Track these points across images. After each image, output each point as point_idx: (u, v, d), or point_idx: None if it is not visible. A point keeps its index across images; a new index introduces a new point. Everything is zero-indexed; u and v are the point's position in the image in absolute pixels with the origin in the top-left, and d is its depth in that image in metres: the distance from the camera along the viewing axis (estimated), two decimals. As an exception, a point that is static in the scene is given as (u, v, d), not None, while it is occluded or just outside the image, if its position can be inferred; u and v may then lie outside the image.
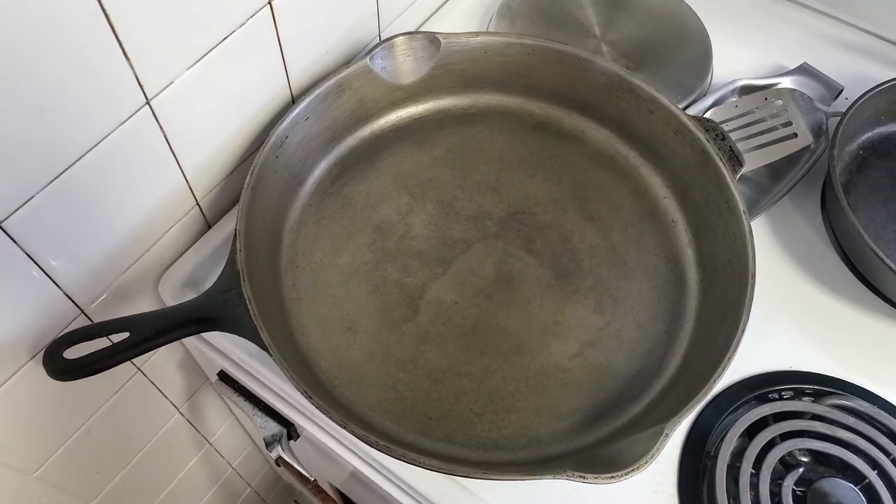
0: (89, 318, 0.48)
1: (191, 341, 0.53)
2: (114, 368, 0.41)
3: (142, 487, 0.67)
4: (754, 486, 0.45)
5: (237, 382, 0.54)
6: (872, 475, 0.45)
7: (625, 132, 0.55)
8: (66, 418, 0.52)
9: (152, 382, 0.59)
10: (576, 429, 0.45)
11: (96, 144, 0.40)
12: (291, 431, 0.54)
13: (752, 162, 0.55)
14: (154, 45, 0.40)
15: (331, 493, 0.62)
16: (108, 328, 0.42)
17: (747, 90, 0.61)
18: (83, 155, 0.40)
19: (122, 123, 0.41)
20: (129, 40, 0.38)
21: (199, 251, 0.53)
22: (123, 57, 0.38)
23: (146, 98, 0.42)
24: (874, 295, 0.53)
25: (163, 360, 0.59)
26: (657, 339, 0.48)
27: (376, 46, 0.53)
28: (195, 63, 0.43)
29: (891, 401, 0.49)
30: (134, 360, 0.55)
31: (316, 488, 0.55)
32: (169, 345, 0.57)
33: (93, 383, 0.50)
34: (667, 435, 0.39)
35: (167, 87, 0.42)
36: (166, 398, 0.63)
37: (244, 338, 0.42)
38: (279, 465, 0.54)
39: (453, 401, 0.46)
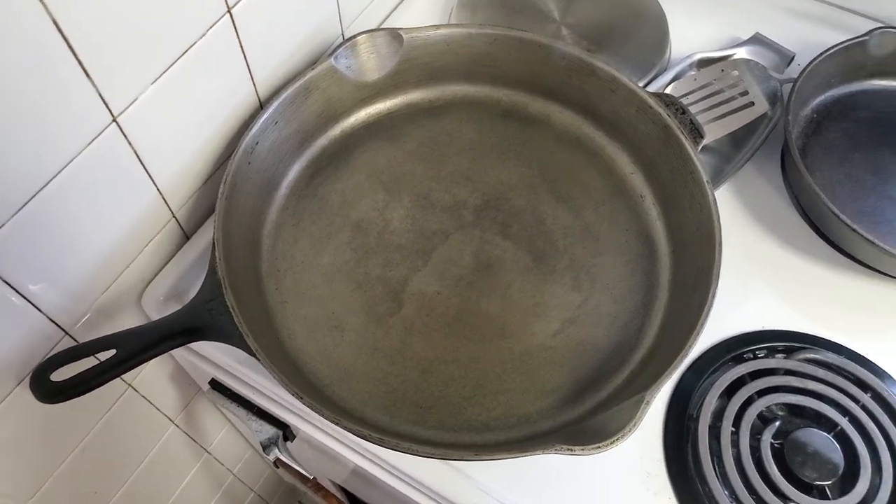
0: (74, 339, 0.48)
1: (179, 352, 0.53)
2: (103, 386, 0.42)
3: (142, 503, 0.68)
4: (735, 444, 0.47)
5: (229, 389, 0.55)
6: (844, 422, 0.48)
7: (589, 113, 0.56)
8: (58, 441, 0.52)
9: (144, 397, 0.60)
10: (562, 404, 0.46)
11: (65, 166, 0.40)
12: (287, 433, 0.55)
13: (714, 132, 0.57)
14: (115, 63, 0.40)
15: (332, 489, 0.63)
16: (94, 347, 0.42)
17: (705, 63, 0.62)
18: (52, 178, 0.40)
19: (90, 143, 0.41)
20: (89, 61, 0.38)
21: (180, 263, 0.53)
22: (86, 77, 0.39)
23: (112, 116, 0.42)
24: (835, 251, 0.55)
25: (153, 374, 0.59)
26: (634, 311, 0.49)
27: (339, 46, 0.54)
28: (159, 77, 0.44)
29: (856, 350, 0.51)
30: (123, 377, 0.56)
31: (316, 486, 0.56)
32: (158, 358, 0.58)
33: (83, 403, 0.50)
34: (647, 402, 0.40)
35: (132, 103, 0.43)
36: (160, 411, 0.63)
37: (231, 345, 0.43)
38: (278, 467, 0.55)
39: (442, 388, 0.47)
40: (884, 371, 0.51)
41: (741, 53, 0.62)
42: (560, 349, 0.48)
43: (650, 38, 0.63)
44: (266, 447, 0.54)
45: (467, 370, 0.48)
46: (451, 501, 0.46)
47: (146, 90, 0.43)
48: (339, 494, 0.65)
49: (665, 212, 0.53)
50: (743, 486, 0.46)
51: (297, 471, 0.53)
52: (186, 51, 0.45)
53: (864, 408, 0.49)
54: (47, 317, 0.45)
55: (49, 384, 0.41)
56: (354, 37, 0.53)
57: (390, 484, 0.48)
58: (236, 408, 0.54)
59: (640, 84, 0.61)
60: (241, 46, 0.49)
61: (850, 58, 0.59)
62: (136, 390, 0.58)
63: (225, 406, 0.55)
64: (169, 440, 0.66)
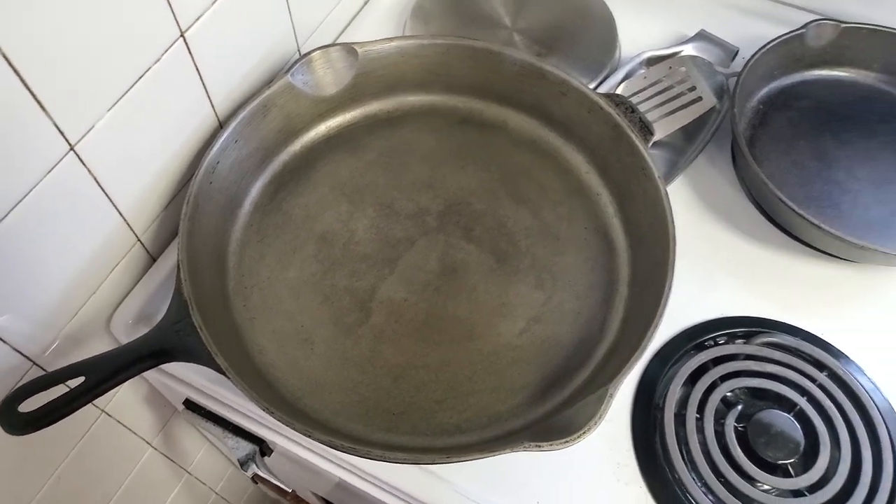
0: (43, 369, 0.48)
1: (152, 374, 0.53)
2: (76, 414, 0.42)
3: (124, 526, 0.68)
4: (700, 429, 0.49)
5: (204, 408, 0.55)
6: (802, 401, 0.49)
7: (543, 116, 0.58)
8: (32, 471, 0.52)
9: (119, 422, 0.60)
10: (530, 402, 0.47)
11: (24, 197, 0.41)
12: (264, 448, 0.55)
13: (665, 128, 0.59)
14: (69, 93, 0.40)
15: (314, 501, 0.63)
16: (62, 376, 0.42)
17: (653, 61, 0.64)
18: (11, 210, 0.40)
19: (48, 173, 0.41)
20: (42, 91, 0.38)
21: (147, 286, 0.53)
22: (40, 108, 0.39)
23: (69, 145, 0.42)
24: (787, 236, 0.57)
25: (126, 398, 0.59)
26: (596, 306, 0.51)
27: (295, 63, 0.54)
28: (115, 103, 0.44)
29: (811, 332, 0.53)
30: (96, 402, 0.56)
31: (296, 499, 0.56)
32: (132, 382, 0.58)
33: (55, 432, 0.50)
34: (611, 395, 0.42)
35: (89, 130, 0.43)
36: (136, 434, 0.63)
37: (201, 364, 0.43)
38: (256, 482, 0.56)
39: (414, 393, 0.48)
40: (838, 350, 0.53)
41: (688, 50, 0.64)
42: (527, 347, 0.49)
43: (600, 39, 0.65)
44: (244, 463, 0.54)
45: (438, 374, 0.49)
46: (427, 504, 0.47)
47: (103, 117, 0.44)
48: (321, 505, 0.66)
49: (621, 208, 0.54)
50: (710, 471, 0.48)
51: (275, 485, 0.54)
52: (142, 76, 0.45)
53: (821, 386, 0.50)
54: (13, 348, 0.45)
55: (18, 416, 0.41)
56: (309, 53, 0.54)
57: (369, 492, 0.49)
58: (212, 426, 0.55)
59: (593, 84, 0.63)
60: (197, 68, 0.50)
61: (790, 50, 0.61)
62: (110, 415, 0.58)
63: (201, 425, 0.55)
64: (147, 463, 0.66)
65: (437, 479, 0.47)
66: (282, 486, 0.54)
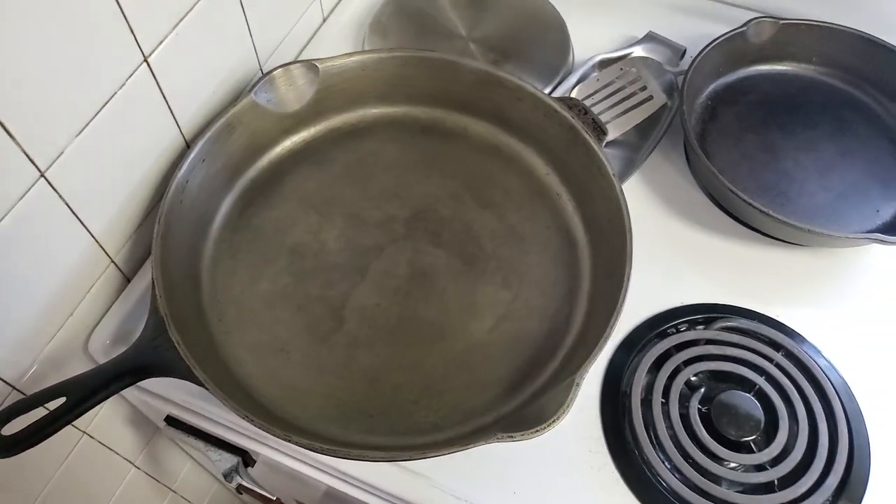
0: (22, 393, 0.49)
1: (132, 393, 0.54)
2: (57, 437, 0.42)
3: (111, 547, 0.68)
4: (666, 413, 0.51)
5: (185, 423, 0.56)
6: (761, 381, 0.52)
7: (502, 122, 0.60)
8: (16, 496, 0.52)
9: (101, 443, 0.60)
10: (503, 396, 0.49)
11: (-4, 225, 0.42)
12: (247, 458, 0.56)
13: (619, 128, 0.61)
14: (37, 121, 0.41)
15: (299, 508, 0.64)
16: (42, 398, 0.43)
17: (605, 63, 0.67)
18: (-17, 237, 0.41)
19: (20, 199, 0.42)
20: (11, 121, 0.39)
21: (123, 306, 0.54)
22: (8, 136, 0.40)
23: (40, 171, 0.43)
24: (740, 225, 0.60)
25: (108, 419, 0.60)
26: (561, 301, 0.53)
27: (258, 82, 0.56)
28: (83, 129, 0.45)
29: (767, 314, 0.56)
30: (77, 425, 0.56)
31: (281, 505, 0.57)
32: (113, 402, 0.59)
33: (38, 456, 0.50)
34: (578, 384, 0.44)
35: (59, 157, 0.44)
36: (118, 455, 0.63)
37: (180, 378, 0.44)
38: (241, 493, 0.56)
39: (390, 395, 0.49)
40: (793, 330, 0.55)
41: (638, 51, 0.67)
42: (497, 344, 0.51)
43: (553, 45, 0.68)
44: (227, 475, 0.55)
45: (412, 375, 0.50)
46: (410, 502, 0.49)
47: (71, 142, 0.45)
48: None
49: (580, 206, 0.56)
50: (678, 453, 0.50)
51: (260, 494, 0.55)
52: (108, 101, 0.46)
53: (778, 365, 0.53)
54: (-8, 374, 0.46)
55: (1, 438, 0.41)
56: (271, 72, 0.56)
57: (350, 493, 0.50)
58: (194, 440, 0.56)
59: (548, 89, 0.65)
60: (162, 91, 0.51)
61: (734, 47, 0.64)
62: (92, 436, 0.58)
63: (183, 440, 0.56)
64: (131, 483, 0.67)
65: (417, 477, 0.49)
66: (266, 494, 0.55)
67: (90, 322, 0.53)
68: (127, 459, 0.65)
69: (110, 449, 0.62)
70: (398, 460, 0.44)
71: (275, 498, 0.56)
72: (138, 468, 0.67)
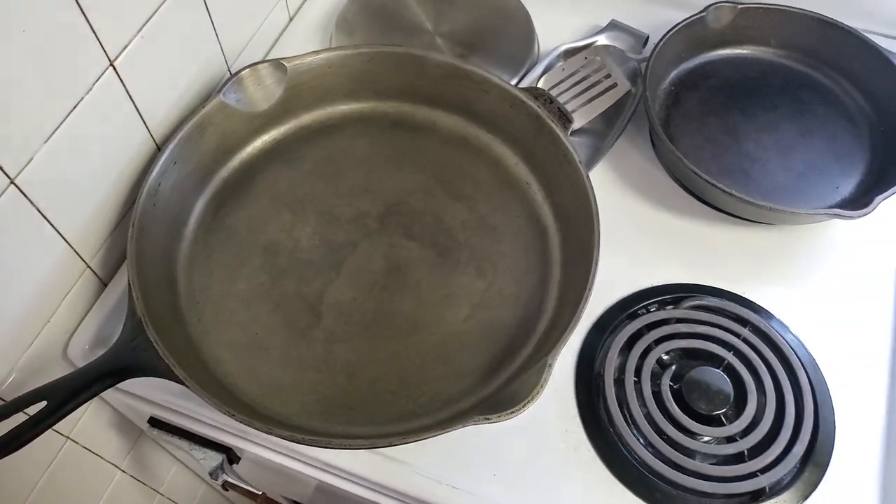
0: (2, 399, 0.49)
1: (114, 396, 0.55)
2: (41, 442, 0.43)
3: (100, 552, 0.68)
4: (639, 392, 0.53)
5: (168, 424, 0.56)
6: (729, 356, 0.54)
7: (470, 114, 0.61)
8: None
9: (85, 447, 0.60)
10: (480, 382, 0.50)
11: (-33, 233, 0.42)
12: (231, 455, 0.57)
13: (585, 116, 0.62)
14: (4, 127, 0.42)
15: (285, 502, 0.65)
16: (22, 403, 0.43)
17: (570, 53, 0.68)
18: (-43, 246, 0.41)
19: (-10, 208, 0.43)
20: (-23, 130, 0.40)
21: (101, 310, 0.55)
22: (-24, 146, 0.40)
23: (10, 178, 0.43)
24: (705, 206, 0.61)
25: (91, 423, 0.60)
26: (533, 288, 0.54)
27: (226, 82, 0.56)
28: (51, 136, 0.45)
29: (734, 292, 0.57)
30: (61, 430, 0.56)
31: (266, 500, 0.58)
32: (95, 406, 0.59)
33: (21, 461, 0.51)
34: (550, 365, 0.45)
35: (28, 163, 0.44)
36: (103, 459, 0.64)
37: (161, 377, 0.45)
38: (227, 490, 0.57)
39: (369, 387, 0.50)
40: (759, 306, 0.57)
41: (601, 40, 0.68)
42: (472, 333, 0.52)
43: (518, 36, 0.69)
44: (213, 473, 0.56)
45: (390, 367, 0.51)
46: (395, 490, 0.50)
47: (39, 150, 0.45)
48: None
49: (549, 194, 0.58)
50: (651, 430, 0.51)
51: (246, 489, 0.56)
52: (76, 106, 0.47)
53: (746, 340, 0.55)
54: (-30, 383, 0.46)
55: (-18, 445, 0.42)
56: (239, 72, 0.56)
57: (333, 483, 0.51)
58: (178, 440, 0.56)
59: (515, 80, 0.66)
60: (130, 95, 0.51)
61: (694, 33, 0.65)
62: (76, 442, 0.58)
63: (167, 441, 0.57)
64: (118, 487, 0.67)
65: (401, 465, 0.50)
66: (251, 489, 0.56)
67: (68, 327, 0.54)
68: (112, 463, 0.65)
69: (95, 453, 0.62)
70: (378, 447, 0.45)
71: (260, 493, 0.57)
72: (124, 472, 0.68)
